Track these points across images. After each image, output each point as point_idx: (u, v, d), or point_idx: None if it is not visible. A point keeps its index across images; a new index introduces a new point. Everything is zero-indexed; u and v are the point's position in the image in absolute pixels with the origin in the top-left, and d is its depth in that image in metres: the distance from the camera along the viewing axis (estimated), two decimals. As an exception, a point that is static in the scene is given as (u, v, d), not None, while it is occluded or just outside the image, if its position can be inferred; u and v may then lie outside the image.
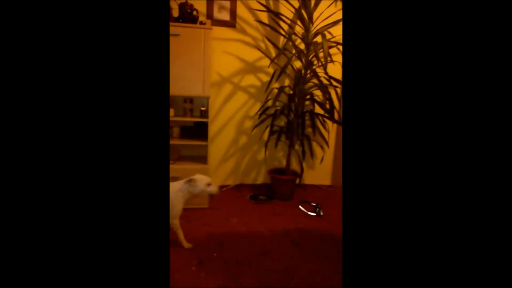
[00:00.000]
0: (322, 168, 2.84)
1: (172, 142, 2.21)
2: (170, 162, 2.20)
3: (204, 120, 2.19)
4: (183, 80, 2.06)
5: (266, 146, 2.50)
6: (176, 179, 2.05)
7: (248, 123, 2.60)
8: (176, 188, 1.63)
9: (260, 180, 2.76)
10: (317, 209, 2.25)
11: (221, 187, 2.60)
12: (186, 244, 1.69)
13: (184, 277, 1.44)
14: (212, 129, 2.54)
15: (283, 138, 2.62)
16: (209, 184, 1.63)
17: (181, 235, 1.68)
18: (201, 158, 2.30)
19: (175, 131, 2.28)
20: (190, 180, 1.61)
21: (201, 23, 2.09)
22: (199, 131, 2.26)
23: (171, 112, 2.19)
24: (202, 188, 1.62)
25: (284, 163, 2.75)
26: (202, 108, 2.25)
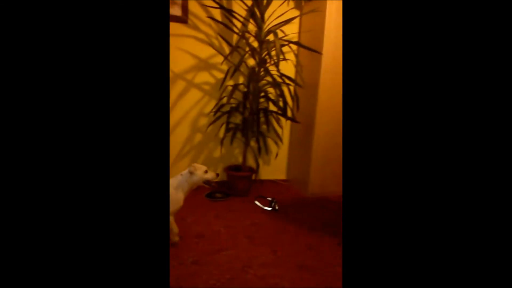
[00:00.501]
0: (277, 163, 2.91)
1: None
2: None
3: (157, 118, 2.12)
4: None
5: (222, 143, 2.50)
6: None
7: (203, 121, 2.58)
8: (175, 184, 1.63)
9: (220, 178, 2.76)
10: (273, 203, 2.31)
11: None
12: (174, 238, 1.70)
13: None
14: (165, 127, 2.47)
15: (238, 135, 2.64)
16: (206, 171, 1.67)
17: (175, 230, 1.68)
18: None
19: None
20: (192, 171, 1.64)
21: (150, 17, 2.01)
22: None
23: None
24: (200, 176, 1.65)
25: (240, 160, 2.78)
26: (154, 106, 2.18)
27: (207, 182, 1.70)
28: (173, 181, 1.66)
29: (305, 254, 1.69)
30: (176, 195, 1.64)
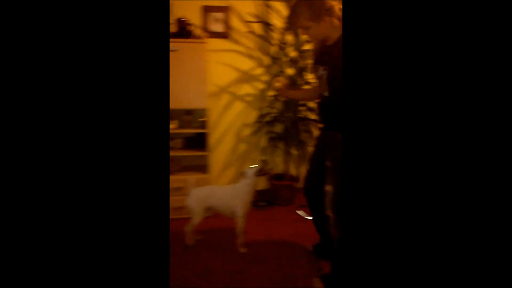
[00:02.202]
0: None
1: (174, 153, 2.27)
2: (173, 173, 2.25)
3: (204, 131, 2.25)
4: (182, 94, 2.13)
5: (264, 152, 2.57)
6: (180, 189, 2.10)
7: (247, 131, 2.67)
8: (239, 190, 1.83)
9: (260, 186, 2.83)
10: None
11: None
12: (242, 249, 1.84)
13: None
14: (212, 139, 2.60)
15: (280, 144, 2.69)
16: (253, 167, 1.85)
17: (241, 238, 1.84)
18: (203, 167, 2.36)
19: (177, 142, 2.33)
20: (243, 175, 1.85)
21: (197, 37, 2.15)
22: (200, 141, 2.33)
23: (174, 124, 2.25)
24: (252, 174, 1.83)
25: (282, 168, 2.83)
26: (201, 119, 2.32)
27: (261, 173, 1.87)
28: (235, 189, 1.85)
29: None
30: (242, 199, 1.82)
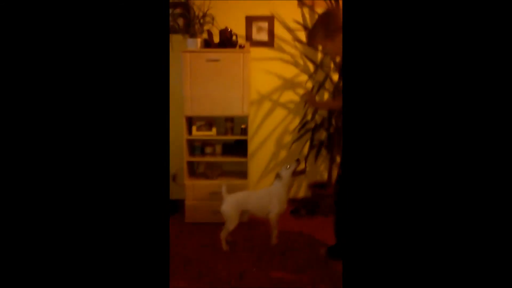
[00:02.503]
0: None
1: (214, 159, 2.36)
2: (213, 178, 2.34)
3: (244, 137, 2.30)
4: (223, 101, 2.20)
5: (306, 160, 2.52)
6: (218, 193, 2.18)
7: (288, 138, 2.65)
8: (275, 191, 1.91)
9: (301, 194, 2.78)
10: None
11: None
12: (275, 240, 1.96)
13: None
14: (252, 145, 2.64)
15: (323, 152, 2.61)
16: (288, 167, 1.90)
17: (275, 231, 1.94)
18: (242, 173, 2.41)
19: (218, 148, 2.42)
20: (279, 176, 1.90)
21: (240, 46, 2.21)
22: (240, 148, 2.38)
23: (213, 131, 2.35)
24: (287, 175, 1.88)
25: (325, 176, 2.74)
26: (242, 126, 2.37)
27: (296, 173, 1.89)
28: (271, 190, 1.91)
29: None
30: (279, 199, 1.88)
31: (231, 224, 1.86)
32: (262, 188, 1.99)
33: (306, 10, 2.44)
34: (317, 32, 1.41)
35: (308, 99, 1.77)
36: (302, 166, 1.91)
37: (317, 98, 1.88)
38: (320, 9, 2.37)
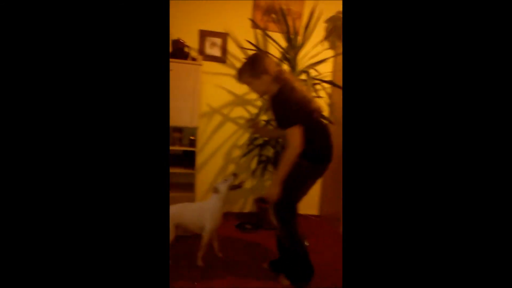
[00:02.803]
0: (309, 198, 2.88)
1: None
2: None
3: (193, 149, 2.28)
4: (173, 111, 2.17)
5: (253, 174, 2.57)
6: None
7: (237, 152, 2.69)
8: (210, 205, 1.81)
9: (247, 208, 2.81)
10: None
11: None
12: (200, 262, 1.84)
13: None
14: (200, 158, 2.62)
15: (270, 167, 2.69)
16: (225, 180, 1.83)
17: (202, 250, 1.83)
18: (189, 186, 2.37)
19: (164, 159, 2.36)
20: (216, 190, 1.82)
21: (192, 59, 2.23)
22: (188, 159, 2.35)
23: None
24: (225, 188, 1.81)
25: (271, 192, 2.81)
26: (191, 137, 2.35)
27: (234, 187, 1.84)
28: (206, 204, 1.83)
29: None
30: (213, 215, 1.80)
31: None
32: (198, 202, 1.91)
33: (259, 32, 2.57)
34: (244, 71, 1.59)
35: (252, 125, 1.88)
36: (239, 180, 1.88)
37: (262, 122, 1.96)
38: (272, 33, 2.52)
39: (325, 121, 1.71)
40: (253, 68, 1.56)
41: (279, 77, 1.58)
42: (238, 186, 1.89)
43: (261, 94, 1.68)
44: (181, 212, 1.82)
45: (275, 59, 2.48)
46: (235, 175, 1.86)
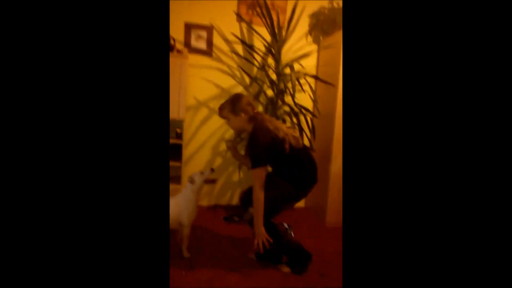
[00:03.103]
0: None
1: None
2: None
3: (179, 142, 2.28)
4: (159, 105, 2.17)
5: (239, 168, 2.60)
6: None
7: (223, 146, 2.71)
8: (184, 198, 1.80)
9: (235, 201, 2.84)
10: (288, 230, 2.33)
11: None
12: (186, 253, 1.84)
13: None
14: (187, 151, 2.63)
15: (256, 160, 2.73)
16: (202, 173, 1.83)
17: (186, 242, 1.84)
18: (176, 179, 2.37)
19: (151, 152, 2.35)
20: (191, 180, 1.81)
21: (178, 51, 2.23)
22: (174, 152, 2.35)
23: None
24: (200, 180, 1.82)
25: (257, 184, 2.85)
26: (177, 130, 2.35)
27: (208, 181, 1.86)
28: (181, 197, 1.81)
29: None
30: (189, 207, 1.79)
31: None
32: (172, 197, 1.81)
33: (244, 25, 2.59)
34: (224, 107, 1.79)
35: (229, 147, 1.98)
36: (214, 176, 1.89)
37: (239, 144, 2.06)
38: (256, 26, 2.54)
39: (305, 149, 1.81)
40: (233, 105, 1.75)
41: (254, 117, 1.75)
42: (213, 181, 1.91)
43: (237, 131, 1.85)
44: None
45: (260, 52, 2.50)
46: (212, 170, 1.87)
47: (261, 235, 1.65)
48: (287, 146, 1.68)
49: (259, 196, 1.64)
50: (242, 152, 2.09)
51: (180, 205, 1.78)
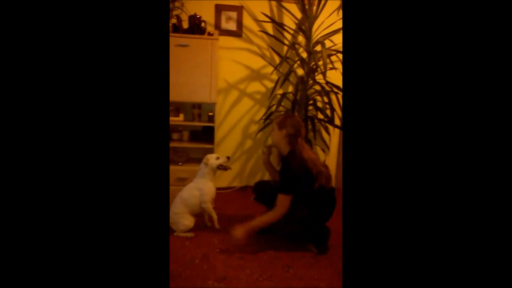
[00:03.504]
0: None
1: (182, 145, 2.36)
2: (180, 164, 2.35)
3: (211, 124, 2.33)
4: (191, 87, 2.22)
5: (270, 149, 2.61)
6: (184, 179, 2.19)
7: (253, 128, 2.73)
8: (201, 178, 1.91)
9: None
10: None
11: (226, 188, 2.73)
12: (217, 225, 1.98)
13: (186, 270, 1.58)
14: (219, 133, 2.68)
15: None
16: (217, 158, 1.91)
17: (214, 216, 1.97)
18: (208, 160, 2.44)
19: (185, 134, 2.43)
20: (206, 161, 1.90)
21: (209, 34, 2.24)
22: (207, 135, 2.41)
23: (181, 117, 2.35)
24: (213, 163, 1.90)
25: (288, 166, 2.86)
26: (209, 113, 2.40)
27: (222, 167, 1.93)
28: (197, 181, 1.92)
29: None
30: (206, 185, 1.90)
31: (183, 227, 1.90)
32: (188, 185, 1.94)
33: (273, 3, 2.53)
34: (277, 117, 1.87)
35: (264, 152, 2.03)
36: (228, 163, 1.94)
37: (271, 157, 2.05)
38: (286, 4, 2.47)
39: (331, 190, 1.81)
40: (282, 119, 1.81)
41: (294, 141, 1.75)
42: (225, 168, 1.95)
43: (273, 144, 1.88)
44: (190, 202, 1.89)
45: (290, 30, 2.44)
46: (228, 158, 1.94)
47: (239, 239, 1.67)
48: (316, 184, 1.69)
49: (272, 219, 1.70)
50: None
51: (199, 188, 1.89)
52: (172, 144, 2.37)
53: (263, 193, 2.00)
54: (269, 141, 2.18)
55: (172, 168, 2.30)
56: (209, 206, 1.91)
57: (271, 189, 1.89)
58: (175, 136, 2.41)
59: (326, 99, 2.32)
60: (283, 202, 1.69)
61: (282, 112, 2.53)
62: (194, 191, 1.89)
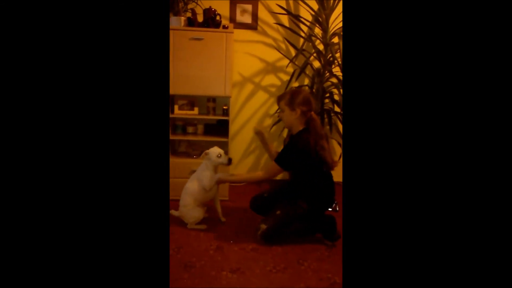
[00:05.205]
0: (341, 164, 2.88)
1: (196, 138, 2.39)
2: (194, 157, 2.37)
3: (226, 118, 2.34)
4: (206, 81, 2.22)
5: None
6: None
7: (268, 121, 2.72)
8: (204, 168, 1.93)
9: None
10: (334, 204, 2.31)
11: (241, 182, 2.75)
12: (223, 218, 2.04)
13: (201, 260, 1.60)
14: (233, 127, 2.68)
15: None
16: (219, 156, 1.89)
17: (219, 209, 2.04)
18: (223, 154, 2.45)
19: (200, 128, 2.45)
20: (206, 153, 1.91)
21: (224, 27, 2.23)
22: (221, 128, 2.42)
23: (196, 110, 2.37)
24: (214, 160, 1.88)
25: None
26: (224, 107, 2.40)
27: (224, 163, 1.92)
28: (201, 168, 1.95)
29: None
30: (204, 173, 1.91)
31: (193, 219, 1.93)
32: (189, 179, 1.99)
33: (289, -5, 2.49)
34: (283, 97, 1.75)
35: (257, 132, 1.99)
36: (227, 162, 1.91)
37: (266, 135, 2.05)
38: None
39: (330, 175, 1.83)
40: (291, 98, 1.70)
41: (307, 118, 1.71)
42: (225, 163, 1.93)
43: (287, 126, 1.83)
44: (194, 192, 1.93)
45: (307, 22, 2.40)
46: (230, 160, 1.90)
47: (219, 181, 1.87)
48: (323, 161, 1.70)
49: (258, 177, 1.85)
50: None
51: (198, 177, 1.92)
52: (187, 138, 2.39)
53: (259, 207, 1.98)
54: (258, 127, 2.16)
55: (186, 161, 2.33)
56: (211, 195, 1.95)
57: (266, 201, 1.94)
58: (190, 129, 2.44)
59: (342, 92, 2.27)
60: (272, 169, 1.78)
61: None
62: (195, 181, 1.94)
